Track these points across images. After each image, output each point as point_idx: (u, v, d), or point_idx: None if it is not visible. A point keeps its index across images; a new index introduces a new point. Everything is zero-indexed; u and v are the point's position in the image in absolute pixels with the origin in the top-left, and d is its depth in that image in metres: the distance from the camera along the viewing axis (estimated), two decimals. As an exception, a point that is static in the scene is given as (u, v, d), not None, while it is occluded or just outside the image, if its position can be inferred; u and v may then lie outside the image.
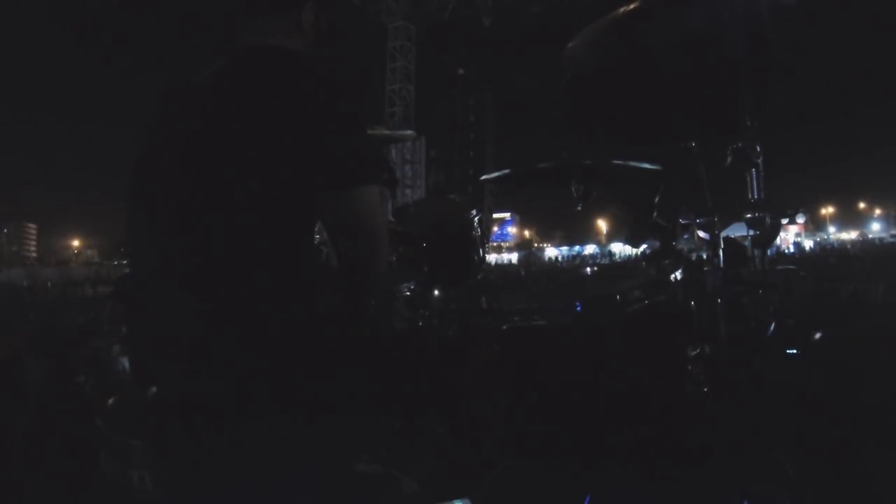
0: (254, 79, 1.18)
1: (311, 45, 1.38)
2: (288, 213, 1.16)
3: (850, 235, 52.10)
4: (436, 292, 2.29)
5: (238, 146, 1.13)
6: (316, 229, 1.26)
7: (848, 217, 63.00)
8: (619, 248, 41.66)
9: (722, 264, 2.37)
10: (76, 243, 73.02)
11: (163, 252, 1.21)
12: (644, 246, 2.47)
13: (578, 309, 2.06)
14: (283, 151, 1.12)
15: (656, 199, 2.31)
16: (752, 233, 2.56)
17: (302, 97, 1.15)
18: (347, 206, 1.17)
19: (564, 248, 59.91)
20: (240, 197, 1.12)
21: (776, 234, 2.59)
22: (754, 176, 2.57)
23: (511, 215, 66.07)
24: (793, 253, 25.81)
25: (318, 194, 1.16)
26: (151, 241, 1.24)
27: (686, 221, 2.39)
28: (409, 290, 2.20)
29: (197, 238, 1.14)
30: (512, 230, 67.19)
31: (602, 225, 58.45)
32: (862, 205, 65.19)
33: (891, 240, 42.64)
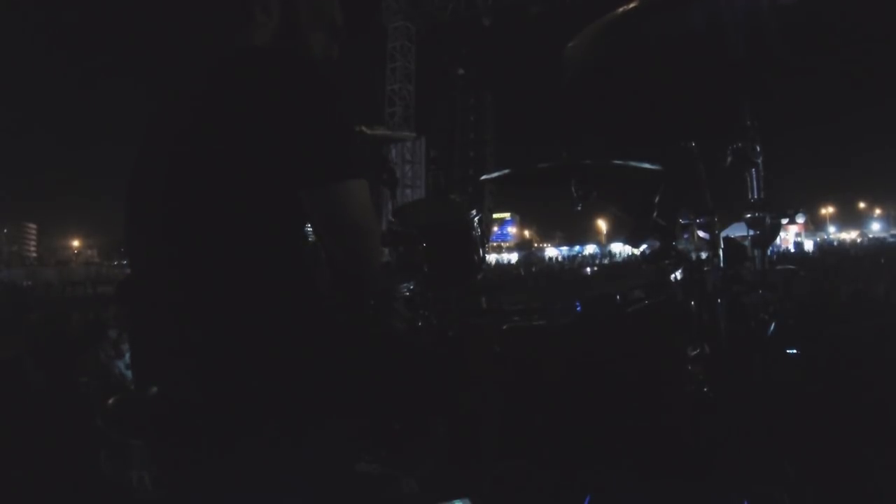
0: (238, 78, 1.19)
1: (299, 40, 1.37)
2: (278, 213, 1.16)
3: (851, 235, 52.02)
4: (436, 292, 2.28)
5: (226, 146, 1.14)
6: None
7: (848, 217, 62.89)
8: (619, 248, 41.57)
9: (722, 264, 2.37)
10: (76, 243, 72.96)
11: (158, 254, 1.22)
12: (644, 246, 2.46)
13: (578, 309, 2.05)
14: (270, 149, 1.13)
15: (656, 199, 2.31)
16: (752, 233, 2.56)
17: (284, 94, 1.15)
18: (334, 202, 1.16)
19: (564, 248, 59.81)
20: (230, 196, 1.13)
21: (776, 234, 2.59)
22: (754, 176, 2.57)
23: (511, 215, 66.07)
24: (794, 253, 25.72)
25: (305, 191, 1.15)
26: (147, 243, 1.25)
27: (686, 221, 2.39)
28: (409, 290, 2.20)
29: (190, 240, 1.15)
30: (512, 230, 67.18)
31: (602, 225, 58.44)
32: (862, 205, 65.12)
33: (891, 240, 42.60)
